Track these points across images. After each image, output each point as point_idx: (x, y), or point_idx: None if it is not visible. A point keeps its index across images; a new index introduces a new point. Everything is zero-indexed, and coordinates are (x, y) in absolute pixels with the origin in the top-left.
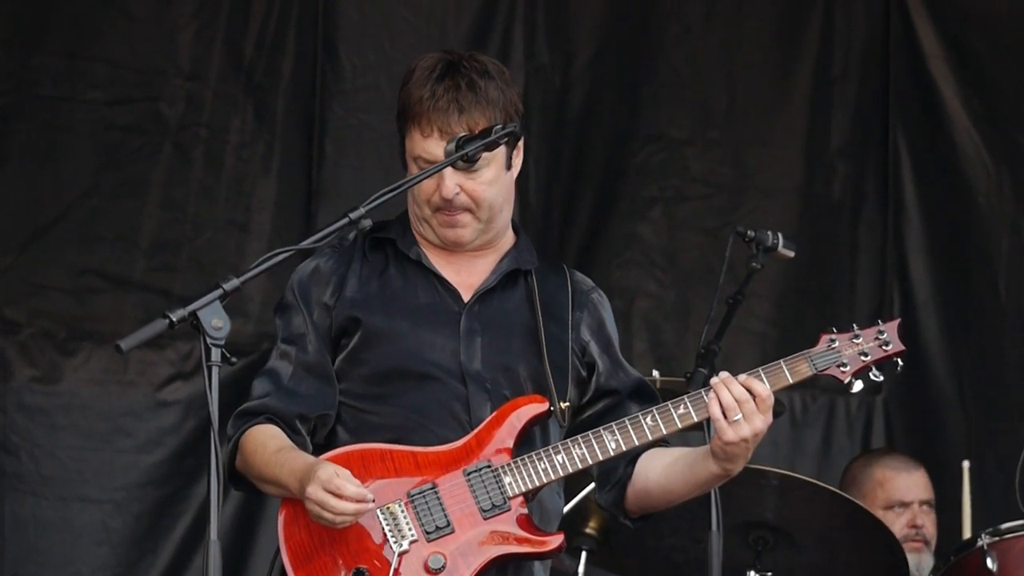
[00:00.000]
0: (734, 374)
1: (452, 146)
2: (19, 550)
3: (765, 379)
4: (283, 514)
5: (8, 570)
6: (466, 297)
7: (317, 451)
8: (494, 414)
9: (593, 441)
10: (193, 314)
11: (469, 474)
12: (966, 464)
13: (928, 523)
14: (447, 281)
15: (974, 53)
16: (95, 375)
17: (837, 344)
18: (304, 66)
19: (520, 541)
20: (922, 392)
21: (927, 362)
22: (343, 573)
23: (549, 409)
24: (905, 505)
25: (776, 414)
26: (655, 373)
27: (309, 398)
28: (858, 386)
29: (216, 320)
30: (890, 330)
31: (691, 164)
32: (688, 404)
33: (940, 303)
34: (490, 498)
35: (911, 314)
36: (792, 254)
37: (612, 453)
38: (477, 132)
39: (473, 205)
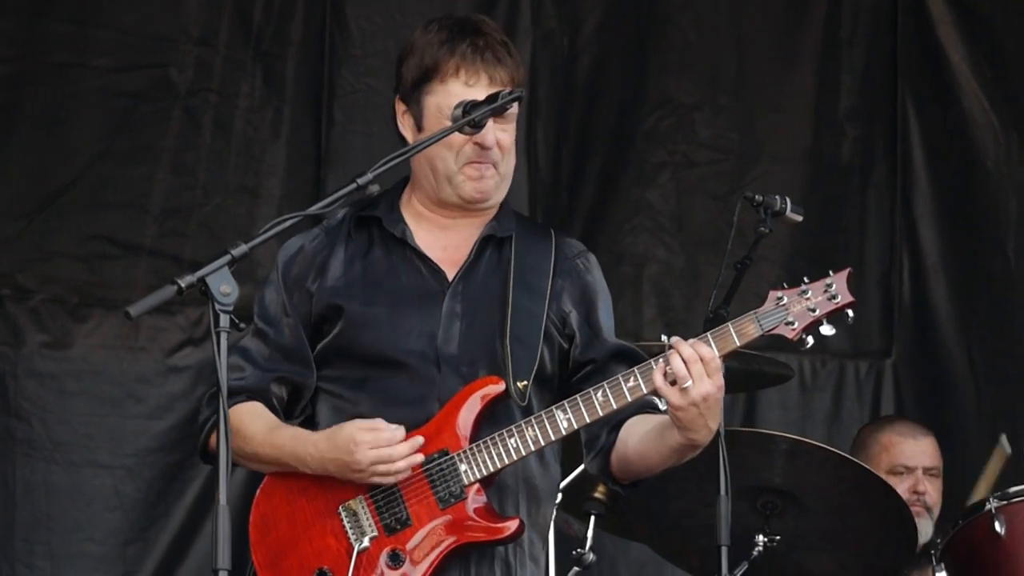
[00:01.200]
0: None
1: (459, 111)
2: (30, 516)
3: (713, 343)
4: (253, 516)
5: (19, 535)
6: (450, 274)
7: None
8: (452, 399)
9: (545, 421)
10: (202, 280)
11: (427, 464)
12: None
13: (931, 490)
14: (431, 260)
15: (983, 18)
16: (106, 341)
17: (785, 301)
18: (313, 31)
19: (477, 529)
20: (931, 356)
21: (936, 326)
22: (307, 572)
23: (506, 389)
24: (909, 470)
25: (784, 379)
26: (664, 338)
27: (284, 375)
28: (808, 341)
29: (225, 286)
30: (839, 281)
31: (699, 129)
32: (638, 376)
33: (949, 267)
34: (448, 488)
35: (920, 278)
36: (800, 218)
37: (564, 432)
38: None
39: (500, 157)
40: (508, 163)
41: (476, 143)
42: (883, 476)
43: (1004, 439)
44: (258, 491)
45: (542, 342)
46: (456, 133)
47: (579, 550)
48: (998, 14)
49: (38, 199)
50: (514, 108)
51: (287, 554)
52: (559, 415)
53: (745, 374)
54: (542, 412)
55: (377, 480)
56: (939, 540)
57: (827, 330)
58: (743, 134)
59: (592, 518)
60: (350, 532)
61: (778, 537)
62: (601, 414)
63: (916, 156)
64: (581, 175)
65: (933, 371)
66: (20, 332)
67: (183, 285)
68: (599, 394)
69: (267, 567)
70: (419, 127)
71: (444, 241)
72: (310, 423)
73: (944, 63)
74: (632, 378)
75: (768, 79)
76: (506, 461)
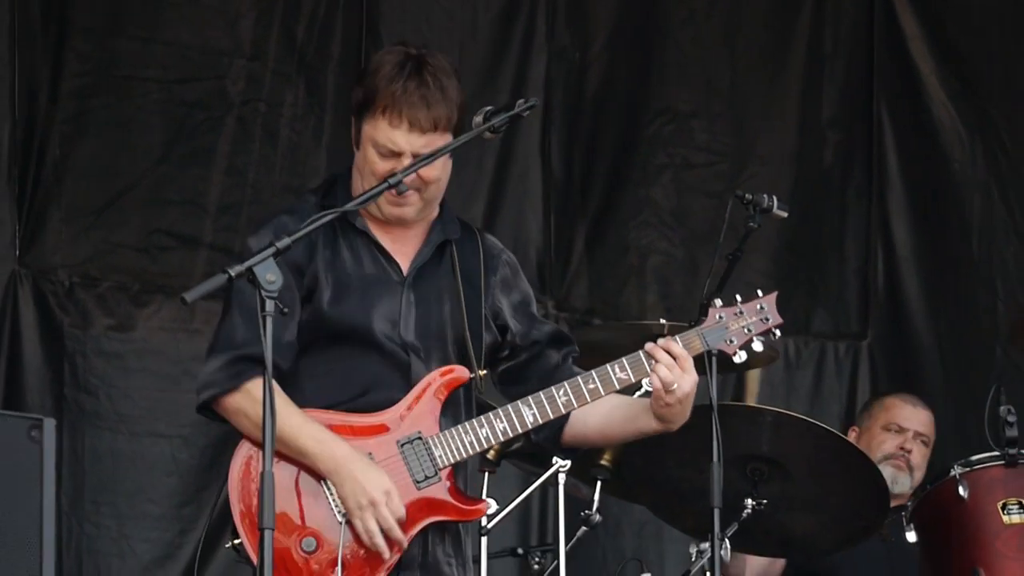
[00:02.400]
0: None
1: (480, 118)
2: (98, 480)
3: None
4: (234, 471)
5: (88, 498)
6: (404, 265)
7: None
8: (420, 383)
9: (513, 415)
10: (250, 270)
11: (402, 445)
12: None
13: (918, 453)
14: (388, 253)
15: (950, 35)
16: (165, 324)
17: (724, 319)
18: (350, 47)
19: (451, 510)
20: (904, 338)
21: (908, 312)
22: (293, 539)
23: (470, 377)
24: (902, 430)
25: (770, 360)
26: (662, 320)
27: (282, 351)
28: (742, 356)
29: (270, 275)
30: (769, 304)
31: (697, 135)
32: (596, 379)
33: (920, 259)
34: (422, 469)
35: (894, 269)
36: (786, 215)
37: (530, 426)
38: (442, 127)
39: (422, 185)
40: (435, 189)
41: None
42: (877, 431)
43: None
44: (238, 459)
45: (484, 334)
46: (380, 164)
47: (587, 511)
48: (963, 31)
49: (105, 197)
50: (440, 142)
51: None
52: (525, 410)
53: None
54: (509, 406)
55: (359, 526)
56: (910, 503)
57: (757, 346)
58: (736, 139)
59: (598, 483)
60: (333, 504)
61: (765, 501)
62: (563, 412)
63: (890, 159)
64: (591, 176)
65: (905, 352)
66: (88, 316)
67: (233, 274)
68: (561, 393)
69: (252, 529)
70: (355, 143)
71: (393, 235)
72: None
73: (916, 75)
74: (591, 380)
75: (758, 89)
76: (477, 449)
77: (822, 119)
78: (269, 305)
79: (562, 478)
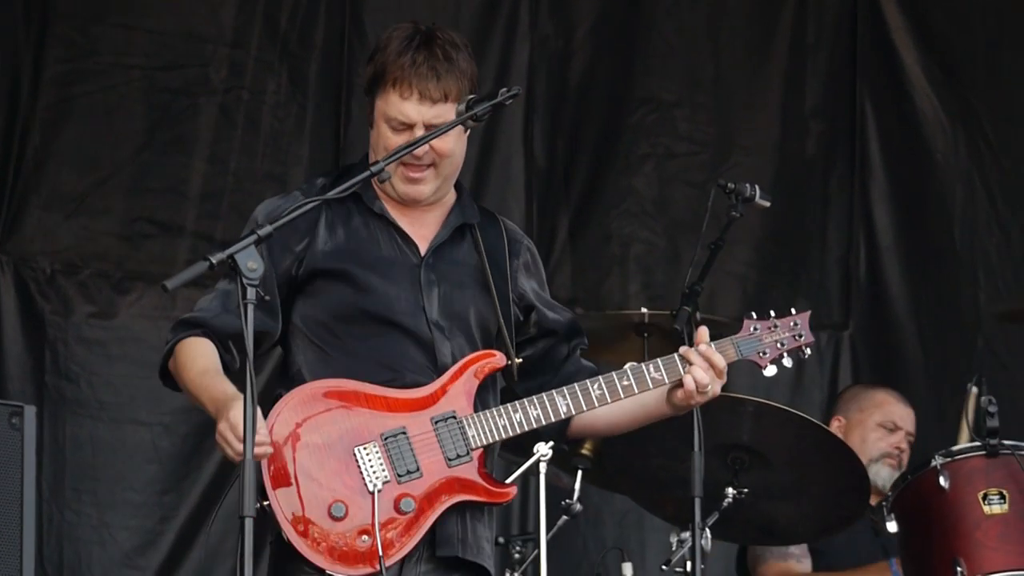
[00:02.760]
0: (716, 311)
1: (463, 106)
2: (78, 467)
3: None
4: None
5: (69, 485)
6: (422, 247)
7: (282, 378)
8: (458, 365)
9: (547, 403)
10: (231, 257)
11: (436, 423)
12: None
13: (905, 453)
14: (406, 234)
15: (933, 25)
16: (146, 311)
17: (758, 331)
18: (333, 36)
19: (481, 490)
20: (885, 328)
21: (889, 301)
22: (321, 507)
23: (507, 364)
24: (897, 429)
25: None
26: (644, 309)
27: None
28: (771, 370)
29: (251, 262)
30: (803, 321)
31: (680, 124)
32: (630, 376)
33: (901, 248)
34: (455, 448)
35: (876, 258)
36: (768, 204)
37: (563, 416)
38: (453, 98)
39: (438, 159)
40: (449, 164)
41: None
42: (872, 427)
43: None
44: (272, 420)
45: (512, 319)
46: (393, 138)
47: (567, 500)
48: (947, 22)
49: (87, 184)
50: (451, 114)
51: (302, 485)
52: (559, 400)
53: None
54: (543, 395)
55: (218, 440)
56: (890, 493)
57: (787, 362)
58: (718, 129)
59: (579, 472)
60: (364, 474)
61: (746, 489)
62: (596, 406)
63: (873, 149)
64: (574, 165)
65: (886, 342)
66: (70, 303)
67: (214, 261)
68: (595, 387)
69: (279, 486)
70: (370, 123)
71: (411, 217)
72: (287, 371)
73: (898, 65)
74: (625, 377)
75: (741, 80)
76: (510, 433)
77: (805, 109)
78: (250, 293)
79: (543, 467)
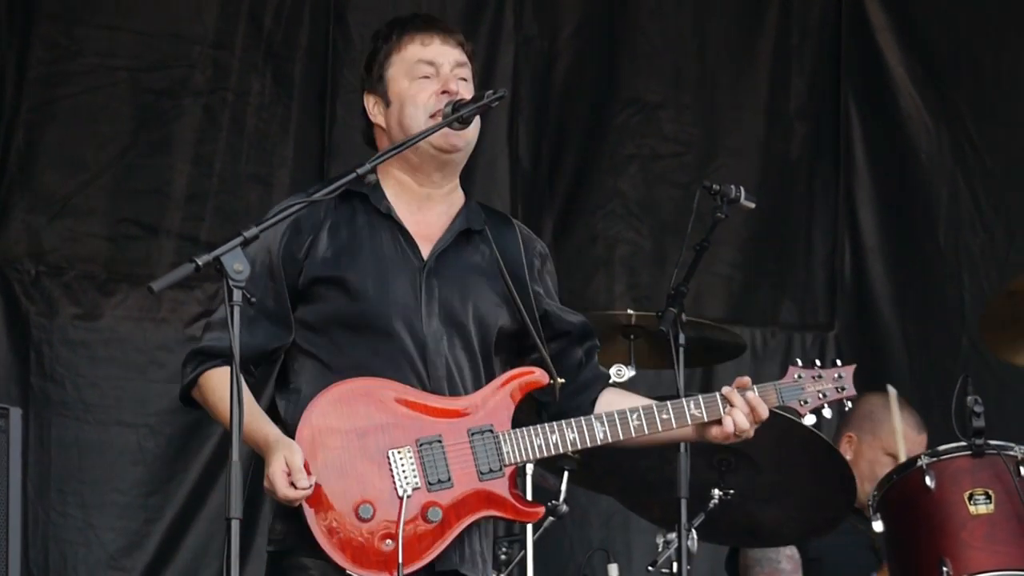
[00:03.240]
0: (700, 313)
1: (449, 108)
2: (64, 469)
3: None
4: (301, 431)
5: (54, 487)
6: (424, 251)
7: (277, 386)
8: (500, 378)
9: (584, 428)
10: (217, 259)
11: (473, 434)
12: (892, 389)
13: None
14: (410, 235)
15: (917, 27)
16: (131, 313)
17: (802, 379)
18: (318, 37)
19: (509, 508)
20: (870, 328)
21: (874, 302)
22: (349, 504)
23: (549, 383)
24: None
25: (739, 350)
26: (629, 311)
27: (261, 342)
28: (811, 419)
29: (237, 264)
30: (847, 374)
31: (665, 125)
32: (670, 411)
33: (886, 249)
34: (488, 462)
35: (860, 259)
36: (753, 205)
37: (599, 442)
38: (468, 54)
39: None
40: (472, 130)
41: (441, 92)
42: (880, 449)
43: (891, 389)
44: (310, 409)
45: (539, 328)
46: (420, 89)
47: (554, 502)
48: (931, 23)
49: (72, 186)
50: (467, 71)
51: (332, 480)
52: (597, 426)
53: (703, 348)
54: (582, 419)
55: (267, 483)
56: (876, 492)
57: (827, 413)
58: (703, 130)
59: (566, 473)
60: (396, 477)
61: (732, 491)
62: (633, 436)
63: (857, 150)
64: (558, 166)
65: (871, 342)
66: (54, 304)
67: (200, 263)
68: (635, 417)
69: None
70: (386, 102)
71: (418, 216)
72: (283, 379)
73: (883, 67)
74: (665, 411)
75: (726, 81)
76: (545, 454)
77: (790, 110)
78: (236, 295)
79: (529, 468)
